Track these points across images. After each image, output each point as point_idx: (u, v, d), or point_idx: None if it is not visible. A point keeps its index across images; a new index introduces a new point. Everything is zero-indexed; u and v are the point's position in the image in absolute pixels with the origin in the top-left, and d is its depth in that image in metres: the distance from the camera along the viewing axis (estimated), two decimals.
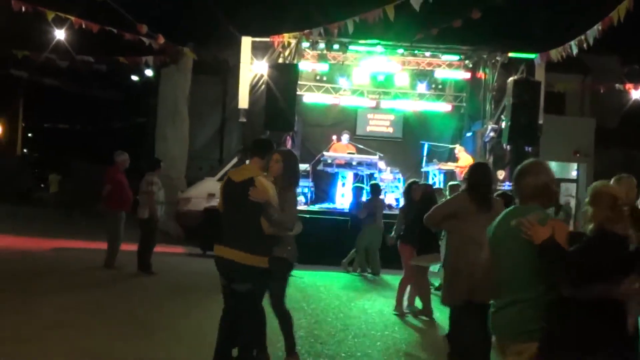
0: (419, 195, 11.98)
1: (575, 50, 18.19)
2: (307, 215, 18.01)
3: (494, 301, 5.00)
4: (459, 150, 20.53)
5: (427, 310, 11.37)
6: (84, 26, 17.85)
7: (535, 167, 5.08)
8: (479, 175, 7.63)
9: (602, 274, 4.31)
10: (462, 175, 19.66)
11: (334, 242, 16.86)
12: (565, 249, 4.43)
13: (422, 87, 22.91)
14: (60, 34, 18.90)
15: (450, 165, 20.14)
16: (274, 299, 7.86)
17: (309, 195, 19.90)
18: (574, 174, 35.52)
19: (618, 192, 4.73)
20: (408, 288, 11.83)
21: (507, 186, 19.84)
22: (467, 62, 22.14)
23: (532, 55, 20.44)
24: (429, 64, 22.43)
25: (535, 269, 4.60)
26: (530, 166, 5.07)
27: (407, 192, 12.74)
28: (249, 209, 6.67)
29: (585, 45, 17.70)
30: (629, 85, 24.24)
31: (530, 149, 20.17)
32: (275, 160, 7.23)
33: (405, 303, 11.71)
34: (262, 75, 19.00)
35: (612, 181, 7.61)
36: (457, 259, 7.43)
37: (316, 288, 13.40)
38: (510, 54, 20.71)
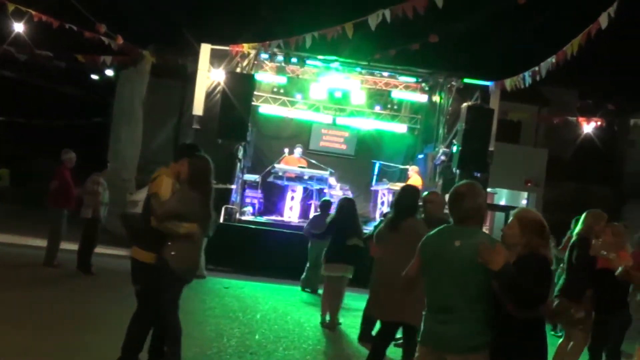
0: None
1: (528, 81, 18.47)
2: (254, 227, 18.08)
3: (435, 315, 5.23)
4: (412, 170, 20.68)
5: (331, 323, 11.52)
6: (44, 19, 17.80)
7: (472, 189, 5.38)
8: (397, 196, 8.45)
9: (545, 297, 5.09)
10: None
11: (279, 254, 16.90)
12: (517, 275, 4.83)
13: (378, 107, 23.07)
14: (19, 27, 18.78)
15: (399, 185, 20.28)
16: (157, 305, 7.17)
17: (257, 207, 19.93)
18: (523, 202, 35.97)
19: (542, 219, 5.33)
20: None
21: None
22: (423, 84, 22.31)
23: (487, 83, 20.68)
24: (387, 84, 22.58)
25: (482, 288, 4.99)
26: (467, 188, 5.37)
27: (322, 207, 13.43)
28: (146, 204, 7.00)
29: (538, 77, 18.00)
30: (582, 119, 24.57)
31: (479, 174, 20.36)
32: (181, 164, 7.29)
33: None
34: (219, 83, 18.98)
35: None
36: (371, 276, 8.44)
37: (255, 299, 13.41)
38: (466, 80, 20.89)
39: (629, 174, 37.72)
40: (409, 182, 20.19)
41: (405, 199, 8.27)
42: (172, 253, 6.88)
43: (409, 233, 7.60)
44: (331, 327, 11.39)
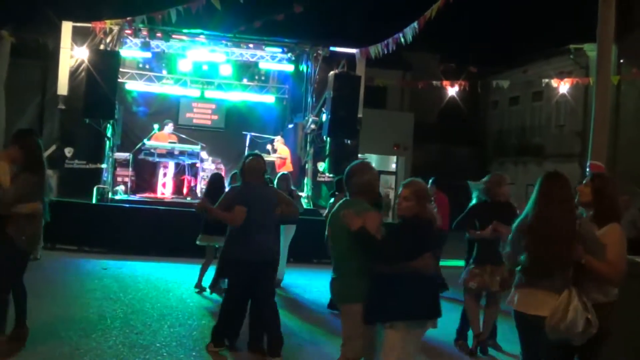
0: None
1: (392, 47, 18.76)
2: (127, 205, 17.84)
3: (333, 272, 6.28)
4: (277, 141, 20.83)
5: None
6: None
7: (361, 167, 6.33)
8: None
9: (413, 253, 5.78)
10: (281, 167, 20.04)
11: (154, 232, 16.74)
12: (373, 235, 5.75)
13: (245, 78, 23.04)
14: None
15: (271, 157, 20.39)
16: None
17: (129, 185, 19.65)
18: (393, 166, 36.68)
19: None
20: None
21: (327, 177, 20.32)
22: (290, 54, 22.36)
23: (352, 50, 20.89)
24: (253, 56, 22.52)
25: (353, 249, 5.92)
26: (357, 167, 6.31)
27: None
28: None
29: (403, 41, 18.31)
30: (446, 82, 25.11)
31: (350, 141, 20.65)
32: (13, 149, 7.61)
33: None
34: (83, 61, 18.54)
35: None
36: None
37: (134, 278, 13.28)
38: (332, 48, 21.06)
39: (491, 134, 38.89)
40: (280, 151, 20.40)
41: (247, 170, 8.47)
42: (17, 230, 7.38)
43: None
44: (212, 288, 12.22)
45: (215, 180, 13.00)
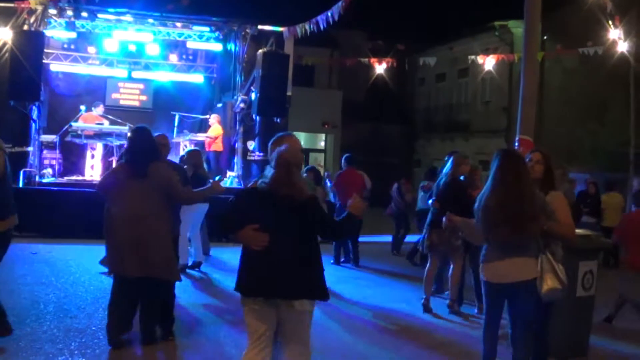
0: None
1: (320, 26, 18.77)
2: (55, 188, 17.60)
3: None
4: (213, 118, 20.74)
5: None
6: None
7: (285, 139, 5.86)
8: (132, 140, 7.92)
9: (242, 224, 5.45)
10: (211, 146, 19.98)
11: (83, 214, 16.49)
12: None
13: (173, 58, 22.84)
14: None
15: (200, 136, 20.31)
16: None
17: (56, 168, 19.36)
18: (322, 144, 36.85)
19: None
20: None
21: (257, 156, 20.32)
22: (218, 33, 22.22)
23: (280, 29, 20.85)
24: (181, 35, 22.32)
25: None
26: (279, 138, 5.87)
27: None
28: None
29: (330, 20, 18.33)
30: (373, 60, 25.25)
31: (279, 120, 20.65)
32: None
33: None
34: (6, 42, 18.14)
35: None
36: None
37: (65, 262, 13.14)
38: (260, 27, 20.99)
39: (419, 111, 39.28)
40: (210, 130, 20.35)
41: (143, 143, 7.71)
42: None
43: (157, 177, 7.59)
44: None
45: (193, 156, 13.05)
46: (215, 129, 20.52)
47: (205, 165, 13.78)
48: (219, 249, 14.71)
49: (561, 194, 6.78)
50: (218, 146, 20.42)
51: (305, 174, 13.63)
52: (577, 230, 8.09)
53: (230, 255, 13.66)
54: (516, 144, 9.24)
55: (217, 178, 13.54)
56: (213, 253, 14.85)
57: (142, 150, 7.54)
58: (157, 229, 7.40)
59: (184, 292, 10.44)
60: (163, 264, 7.43)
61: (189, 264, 13.25)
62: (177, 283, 8.05)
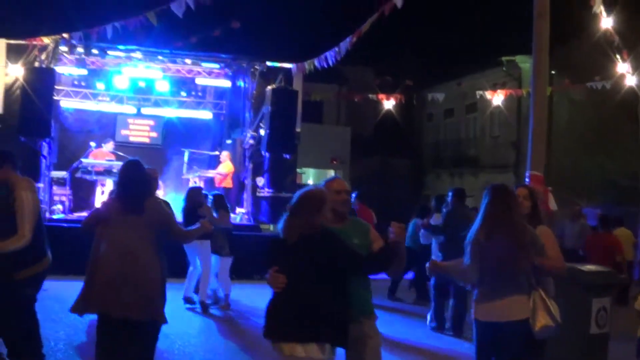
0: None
1: (328, 62, 18.85)
2: (65, 225, 17.61)
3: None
4: (224, 155, 20.79)
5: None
6: None
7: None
8: (125, 174, 7.29)
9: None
10: (221, 183, 20.01)
11: None
12: None
13: (183, 94, 22.96)
14: None
15: (210, 173, 20.35)
16: None
17: (66, 204, 19.39)
18: None
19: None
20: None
21: (266, 193, 20.32)
22: (227, 70, 22.36)
23: (289, 65, 20.94)
24: (190, 71, 22.46)
25: None
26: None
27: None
28: None
29: (339, 56, 18.43)
30: (381, 96, 25.33)
31: (288, 156, 20.67)
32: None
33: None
34: (17, 79, 18.28)
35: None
36: None
37: (75, 299, 13.06)
38: (269, 63, 21.09)
39: (428, 146, 39.31)
40: (221, 167, 20.40)
41: (135, 178, 7.19)
42: None
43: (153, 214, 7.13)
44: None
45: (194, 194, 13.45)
46: (226, 165, 20.57)
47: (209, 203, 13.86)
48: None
49: (548, 229, 6.78)
50: (228, 183, 20.46)
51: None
52: (590, 267, 8.07)
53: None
54: (527, 179, 9.22)
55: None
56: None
57: (137, 184, 7.10)
58: (149, 266, 6.92)
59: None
60: (155, 304, 6.97)
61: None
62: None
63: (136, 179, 7.11)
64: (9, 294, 7.40)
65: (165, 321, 7.13)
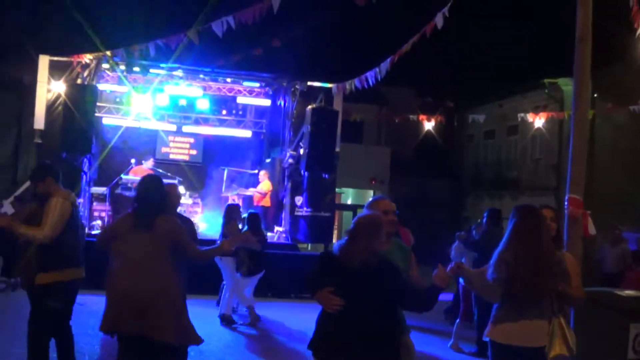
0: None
1: (368, 83, 18.82)
2: None
3: None
4: (263, 175, 20.85)
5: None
6: None
7: (374, 204, 6.20)
8: (140, 188, 7.13)
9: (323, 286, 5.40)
10: (260, 201, 20.04)
11: None
12: None
13: (223, 113, 23.09)
14: None
15: (249, 191, 20.41)
16: None
17: (106, 220, 19.54)
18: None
19: None
20: None
21: (305, 212, 20.31)
22: (267, 89, 22.47)
23: (330, 85, 20.95)
24: (231, 90, 22.60)
25: None
26: (372, 202, 6.21)
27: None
28: None
29: (379, 77, 18.40)
30: (422, 117, 25.29)
31: (327, 176, 20.67)
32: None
33: None
34: (59, 95, 18.51)
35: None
36: None
37: None
38: (309, 83, 21.13)
39: (468, 168, 39.07)
40: (260, 186, 20.44)
41: (152, 193, 7.02)
42: None
43: (163, 231, 6.84)
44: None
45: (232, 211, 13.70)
46: (265, 184, 20.62)
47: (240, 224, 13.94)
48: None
49: (572, 256, 6.55)
50: (266, 202, 20.51)
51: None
52: (628, 292, 7.94)
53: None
54: (566, 203, 9.10)
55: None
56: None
57: (150, 200, 6.87)
58: (162, 284, 6.64)
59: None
60: (168, 323, 6.59)
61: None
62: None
63: (149, 193, 6.94)
64: (35, 300, 7.71)
65: (193, 341, 6.95)
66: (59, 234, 7.50)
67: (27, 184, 17.93)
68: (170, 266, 6.74)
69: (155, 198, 6.90)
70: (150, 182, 7.08)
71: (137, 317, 6.46)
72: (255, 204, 20.10)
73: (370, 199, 5.91)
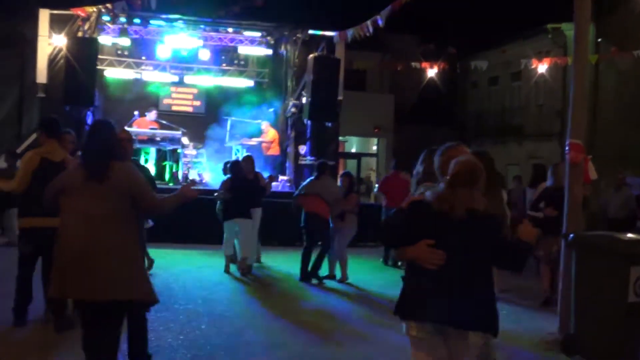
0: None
1: (370, 30, 18.72)
2: None
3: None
4: (265, 125, 20.86)
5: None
6: None
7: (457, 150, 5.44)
8: (89, 135, 6.09)
9: (412, 238, 4.85)
10: (269, 150, 20.08)
11: None
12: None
13: (225, 63, 23.04)
14: None
15: (253, 141, 20.40)
16: None
17: None
18: (374, 148, 36.78)
19: None
20: None
21: (308, 160, 20.35)
22: (269, 38, 22.39)
23: (331, 33, 20.86)
24: (232, 40, 22.52)
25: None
26: (450, 149, 5.46)
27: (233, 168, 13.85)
28: None
29: (380, 24, 18.29)
30: (425, 64, 25.15)
31: (330, 124, 20.68)
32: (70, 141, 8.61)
33: None
34: (61, 49, 18.49)
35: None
36: None
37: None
38: (311, 32, 21.03)
39: (471, 115, 38.96)
40: (264, 135, 20.43)
41: (100, 140, 5.91)
42: None
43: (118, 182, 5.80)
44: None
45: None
46: (271, 132, 20.65)
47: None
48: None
49: None
50: (275, 150, 20.59)
51: (340, 180, 13.86)
52: (630, 235, 7.98)
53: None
54: (567, 148, 9.10)
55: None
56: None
57: (100, 147, 5.84)
58: (117, 241, 5.66)
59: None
60: (123, 282, 5.63)
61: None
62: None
63: (99, 141, 5.90)
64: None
65: (153, 300, 5.96)
66: (27, 185, 8.05)
67: (32, 137, 18.06)
68: (127, 219, 5.84)
69: (106, 145, 5.89)
70: (100, 128, 6.06)
71: (88, 278, 5.57)
72: (264, 153, 20.14)
73: (447, 144, 5.43)
